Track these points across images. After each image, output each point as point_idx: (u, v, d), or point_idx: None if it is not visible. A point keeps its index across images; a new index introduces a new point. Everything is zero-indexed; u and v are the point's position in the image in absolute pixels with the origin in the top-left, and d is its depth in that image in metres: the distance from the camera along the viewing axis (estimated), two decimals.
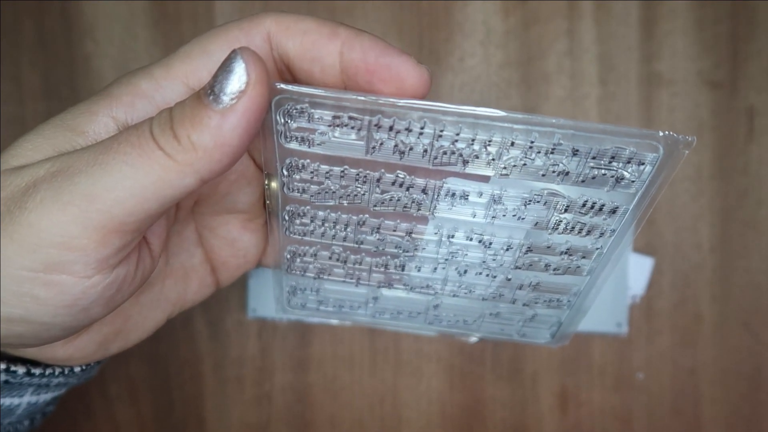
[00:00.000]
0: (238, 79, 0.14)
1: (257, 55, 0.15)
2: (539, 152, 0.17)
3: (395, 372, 0.36)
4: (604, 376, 0.35)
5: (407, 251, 0.21)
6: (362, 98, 0.16)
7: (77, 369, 0.21)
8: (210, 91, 0.15)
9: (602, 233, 0.20)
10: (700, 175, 0.34)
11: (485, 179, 0.18)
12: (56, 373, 0.20)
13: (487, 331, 0.24)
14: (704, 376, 0.35)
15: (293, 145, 0.18)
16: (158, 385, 0.36)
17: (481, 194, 0.19)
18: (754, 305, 0.35)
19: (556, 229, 0.19)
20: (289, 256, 0.22)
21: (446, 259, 0.21)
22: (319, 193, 0.19)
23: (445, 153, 0.17)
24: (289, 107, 0.17)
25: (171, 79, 0.17)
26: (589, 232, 0.20)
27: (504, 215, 0.19)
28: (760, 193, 0.34)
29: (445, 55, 0.34)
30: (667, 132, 0.16)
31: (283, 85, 0.16)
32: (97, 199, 0.15)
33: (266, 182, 0.20)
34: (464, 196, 0.19)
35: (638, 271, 0.35)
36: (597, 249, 0.20)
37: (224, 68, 0.15)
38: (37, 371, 0.20)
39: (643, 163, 0.17)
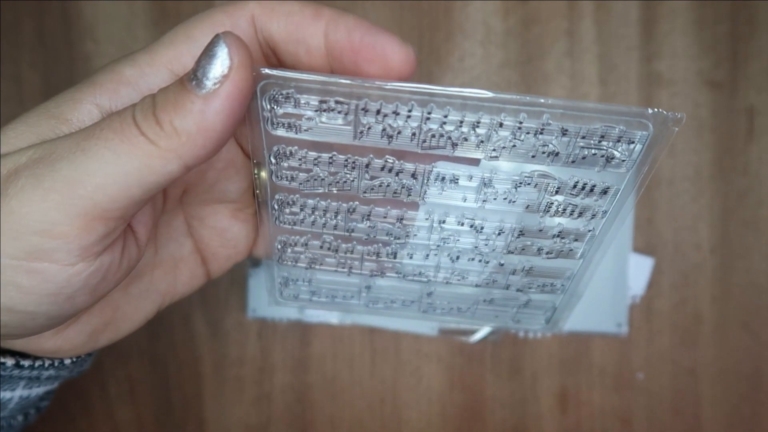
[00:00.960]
0: (220, 63, 0.14)
1: (240, 39, 0.15)
2: (528, 133, 0.17)
3: (395, 372, 0.36)
4: (604, 376, 0.35)
5: (398, 238, 0.21)
6: (348, 81, 0.16)
7: (68, 361, 0.21)
8: (193, 76, 0.14)
9: (594, 215, 0.19)
10: (700, 175, 0.34)
11: (475, 162, 0.18)
12: (46, 365, 0.20)
13: (482, 317, 0.25)
14: (704, 376, 0.35)
15: (280, 132, 0.17)
16: (158, 385, 0.36)
17: (471, 177, 0.19)
18: (754, 305, 0.35)
19: (548, 211, 0.19)
20: (279, 247, 0.22)
21: (438, 245, 0.21)
22: (308, 180, 0.19)
23: (433, 136, 0.17)
24: (274, 93, 0.16)
25: (155, 65, 0.17)
26: (581, 214, 0.19)
27: (495, 198, 0.19)
28: (760, 193, 0.34)
29: (445, 55, 0.34)
30: (656, 109, 0.16)
31: (267, 70, 0.16)
32: (79, 185, 0.15)
33: (255, 171, 0.20)
34: (454, 180, 0.19)
35: (638, 271, 0.35)
36: (589, 231, 0.20)
37: (207, 53, 0.14)
38: (26, 363, 0.20)
39: (632, 142, 0.17)
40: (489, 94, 0.16)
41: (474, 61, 0.34)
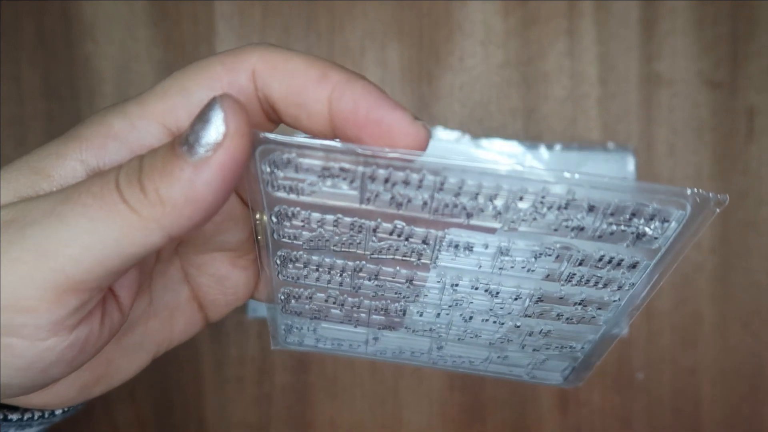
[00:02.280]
0: (215, 129, 0.13)
1: (238, 103, 0.14)
2: (551, 207, 0.16)
3: (395, 372, 0.36)
4: (604, 376, 0.35)
5: (408, 297, 0.20)
6: (353, 149, 0.15)
7: (58, 411, 0.20)
8: (185, 140, 0.13)
9: (620, 286, 0.18)
10: (700, 175, 0.34)
11: (491, 231, 0.17)
12: (36, 417, 0.19)
13: (495, 371, 0.23)
14: (704, 376, 0.35)
15: (281, 194, 0.16)
16: (158, 385, 0.36)
17: (486, 246, 0.17)
18: (754, 305, 0.35)
19: (570, 281, 0.18)
20: (283, 298, 0.21)
21: (450, 306, 0.20)
22: (311, 240, 0.18)
23: (446, 206, 0.16)
24: (275, 157, 0.15)
25: (146, 118, 0.16)
26: (606, 285, 0.18)
27: (512, 267, 0.18)
28: (760, 193, 0.34)
29: (445, 55, 0.34)
30: (695, 189, 0.15)
31: (267, 135, 0.15)
32: (50, 256, 0.13)
33: (256, 216, 0.18)
34: (468, 248, 0.18)
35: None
36: (614, 301, 0.19)
37: (201, 117, 0.13)
38: (14, 417, 0.19)
39: (667, 221, 0.16)
40: (510, 169, 0.15)
41: (474, 61, 0.34)
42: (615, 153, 0.34)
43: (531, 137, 0.35)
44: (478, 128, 0.35)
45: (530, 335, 0.21)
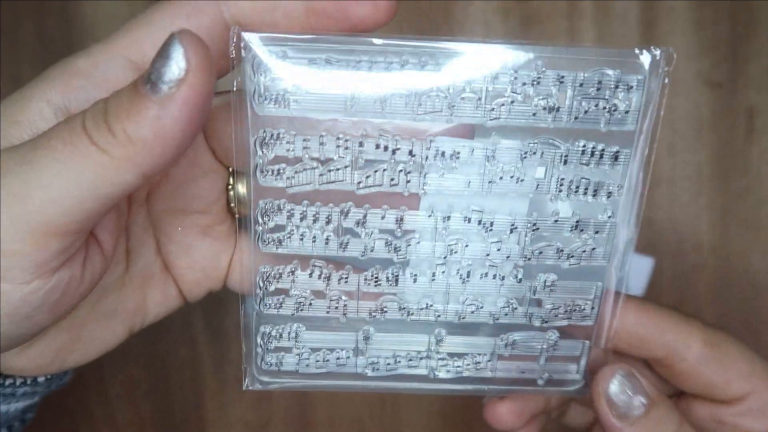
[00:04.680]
0: (176, 65, 0.13)
1: (198, 38, 0.14)
2: (525, 83, 0.17)
3: None
4: None
5: (399, 250, 0.19)
6: (339, 36, 0.16)
7: (41, 379, 0.20)
8: (147, 79, 0.13)
9: (610, 192, 0.18)
10: (700, 174, 0.34)
11: (471, 131, 0.18)
12: (18, 383, 0.19)
13: (505, 371, 0.21)
14: None
15: (269, 109, 0.16)
16: (158, 385, 0.36)
17: (473, 151, 0.18)
18: (754, 305, 0.35)
19: (560, 190, 0.18)
20: (261, 283, 0.19)
21: (444, 257, 0.19)
22: (297, 173, 0.18)
23: (428, 97, 0.17)
24: (260, 59, 0.16)
25: (110, 53, 0.16)
26: (595, 192, 0.18)
27: (501, 178, 0.18)
28: (760, 193, 0.34)
29: None
30: (644, 47, 0.17)
31: (248, 34, 0.15)
32: (28, 201, 0.14)
33: (230, 183, 0.19)
34: (455, 155, 0.18)
35: (638, 271, 0.35)
36: (609, 218, 0.19)
37: (161, 54, 0.13)
38: None
39: (630, 87, 0.17)
40: (481, 43, 0.16)
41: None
42: None
43: None
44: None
45: (533, 294, 0.20)
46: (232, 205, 0.19)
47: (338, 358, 0.21)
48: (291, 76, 0.16)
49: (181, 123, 0.14)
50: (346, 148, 0.17)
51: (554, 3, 0.34)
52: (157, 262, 0.21)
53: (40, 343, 0.18)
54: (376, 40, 0.16)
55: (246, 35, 0.15)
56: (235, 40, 0.16)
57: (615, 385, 0.20)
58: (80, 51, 0.16)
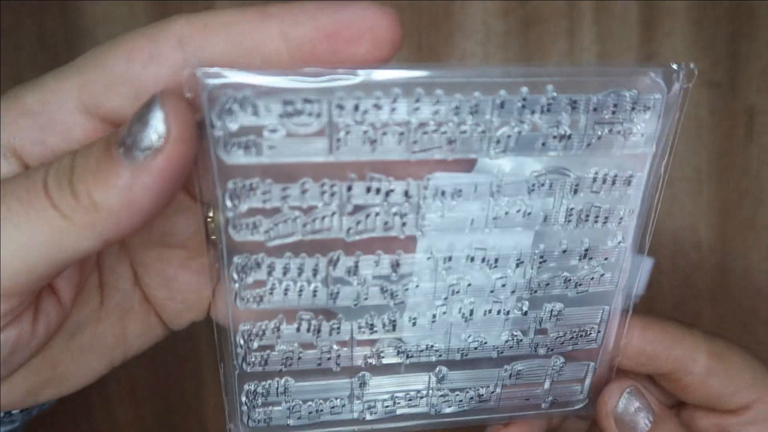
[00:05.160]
0: (155, 131, 0.12)
1: (182, 101, 0.12)
2: (533, 112, 0.15)
3: None
4: None
5: (396, 296, 0.17)
6: (317, 70, 0.13)
7: (15, 411, 0.19)
8: (122, 142, 0.12)
9: (621, 218, 0.17)
10: (700, 174, 0.34)
11: (471, 165, 0.16)
12: None
13: (509, 400, 0.20)
14: None
15: (238, 157, 0.14)
16: (158, 385, 0.36)
17: (476, 187, 0.16)
18: (754, 305, 0.35)
19: (569, 220, 0.17)
20: (242, 342, 0.18)
21: (445, 298, 0.17)
22: (275, 226, 0.15)
23: (425, 133, 0.14)
24: (226, 101, 0.13)
25: (60, 92, 0.14)
26: (606, 219, 0.17)
27: (507, 213, 0.16)
28: (760, 193, 0.34)
29: (445, 55, 0.34)
30: (663, 65, 0.15)
31: (211, 79, 0.13)
32: None
33: (208, 213, 0.16)
34: (457, 193, 0.16)
35: (638, 271, 0.35)
36: (619, 243, 0.18)
37: (140, 117, 0.12)
38: None
39: (647, 108, 0.15)
40: (484, 71, 0.14)
41: (474, 61, 0.34)
42: None
43: None
44: None
45: (539, 325, 0.18)
46: (213, 237, 0.17)
47: (333, 407, 0.19)
48: (263, 119, 0.14)
49: (153, 193, 0.12)
50: (332, 194, 0.15)
51: (554, 3, 0.34)
52: (136, 294, 0.19)
53: (7, 382, 0.17)
54: (360, 71, 0.14)
55: (205, 72, 0.13)
56: (191, 78, 0.13)
57: (622, 404, 0.20)
58: (33, 81, 0.15)
